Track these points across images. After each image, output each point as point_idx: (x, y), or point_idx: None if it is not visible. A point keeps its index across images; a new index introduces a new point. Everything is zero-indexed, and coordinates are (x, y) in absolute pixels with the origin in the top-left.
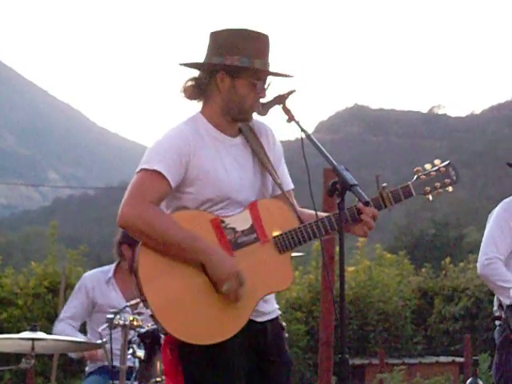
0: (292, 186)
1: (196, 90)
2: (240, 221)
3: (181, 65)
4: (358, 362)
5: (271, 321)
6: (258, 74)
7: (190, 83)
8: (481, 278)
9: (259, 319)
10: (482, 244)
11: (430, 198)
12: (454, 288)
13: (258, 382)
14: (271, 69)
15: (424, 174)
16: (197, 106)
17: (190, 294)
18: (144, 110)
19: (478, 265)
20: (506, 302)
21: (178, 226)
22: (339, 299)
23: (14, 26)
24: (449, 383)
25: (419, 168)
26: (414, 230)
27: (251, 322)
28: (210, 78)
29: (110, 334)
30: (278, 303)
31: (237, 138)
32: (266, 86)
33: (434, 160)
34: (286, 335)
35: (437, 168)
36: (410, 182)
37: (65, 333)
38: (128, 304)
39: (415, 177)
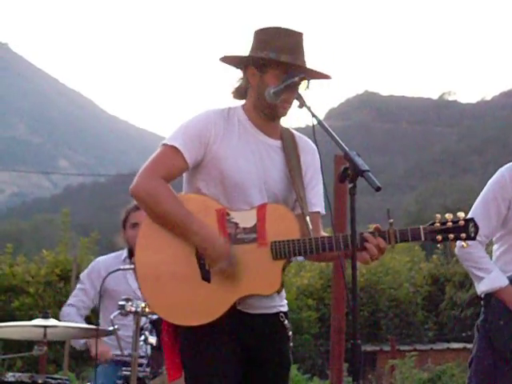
0: (319, 209)
1: (241, 89)
2: (245, 218)
3: (220, 60)
4: (369, 348)
5: (267, 315)
6: (286, 69)
7: (237, 83)
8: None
9: (248, 311)
10: None
11: (440, 247)
12: (466, 274)
13: (252, 375)
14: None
15: (440, 223)
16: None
17: (176, 273)
18: (154, 98)
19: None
20: (477, 290)
21: (181, 205)
22: (351, 286)
23: (24, 14)
24: (460, 369)
25: (439, 215)
26: (424, 216)
27: (240, 313)
28: (245, 73)
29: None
30: (288, 291)
31: (273, 140)
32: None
33: (458, 212)
34: (290, 333)
35: (456, 220)
36: (421, 226)
37: (68, 316)
38: (126, 267)
39: (430, 222)
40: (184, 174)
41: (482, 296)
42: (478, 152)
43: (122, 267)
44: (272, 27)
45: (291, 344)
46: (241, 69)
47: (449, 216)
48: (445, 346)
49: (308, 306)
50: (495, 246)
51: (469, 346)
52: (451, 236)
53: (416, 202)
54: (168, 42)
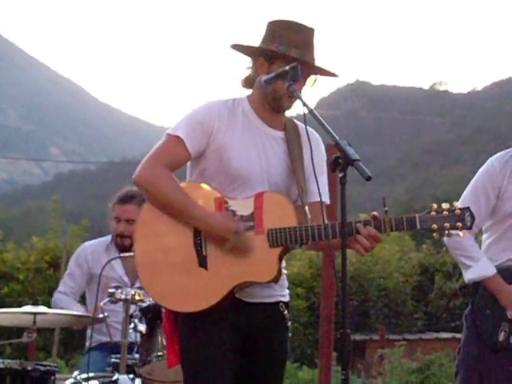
0: (323, 199)
1: (249, 78)
2: (243, 206)
3: (231, 47)
4: (358, 337)
5: (266, 304)
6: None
7: (246, 72)
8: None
9: (248, 300)
10: None
11: (435, 235)
12: (455, 264)
13: (249, 363)
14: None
15: (435, 211)
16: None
17: (174, 260)
18: (147, 86)
19: None
20: (465, 279)
21: (182, 191)
22: (341, 275)
23: (16, 1)
24: (449, 359)
25: (435, 205)
26: (415, 206)
27: (240, 302)
28: (255, 63)
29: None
30: None
31: (277, 132)
32: (301, 78)
33: (454, 202)
34: (289, 323)
35: (452, 209)
36: (417, 215)
37: (61, 303)
38: (121, 255)
39: (425, 211)
40: (188, 164)
41: (470, 285)
42: (469, 142)
43: (121, 254)
44: (285, 20)
45: (290, 334)
46: (251, 57)
47: (445, 205)
48: (434, 335)
49: (297, 294)
50: (484, 236)
51: (458, 335)
52: (447, 225)
53: (406, 192)
54: (161, 30)
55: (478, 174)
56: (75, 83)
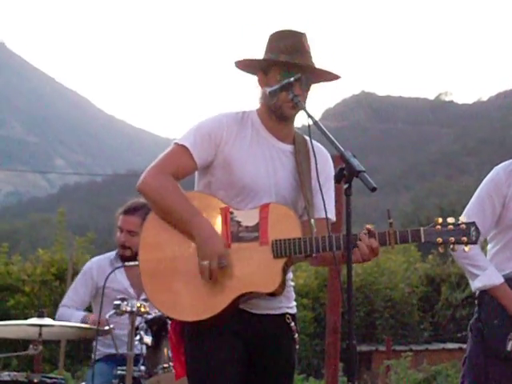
0: (328, 216)
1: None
2: (248, 217)
3: (235, 66)
4: (364, 348)
5: (273, 316)
6: (287, 69)
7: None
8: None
9: (254, 311)
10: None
11: (440, 249)
12: (461, 275)
13: (255, 376)
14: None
15: (441, 225)
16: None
17: (178, 269)
18: (152, 98)
19: None
20: (472, 287)
21: (185, 199)
22: (347, 286)
23: (22, 13)
24: (455, 370)
25: (440, 219)
26: (420, 216)
27: (244, 313)
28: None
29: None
30: None
31: (286, 145)
32: (301, 83)
33: (460, 216)
34: (296, 336)
35: (458, 223)
36: (422, 228)
37: (64, 316)
38: (126, 264)
39: (431, 224)
40: (196, 174)
41: (477, 294)
42: (474, 153)
43: (126, 264)
44: (278, 31)
45: (297, 346)
46: (254, 74)
47: (450, 219)
48: (440, 346)
49: (303, 305)
50: (489, 246)
51: (464, 346)
52: (452, 239)
53: (412, 203)
54: (165, 41)
55: (483, 182)
56: (80, 95)
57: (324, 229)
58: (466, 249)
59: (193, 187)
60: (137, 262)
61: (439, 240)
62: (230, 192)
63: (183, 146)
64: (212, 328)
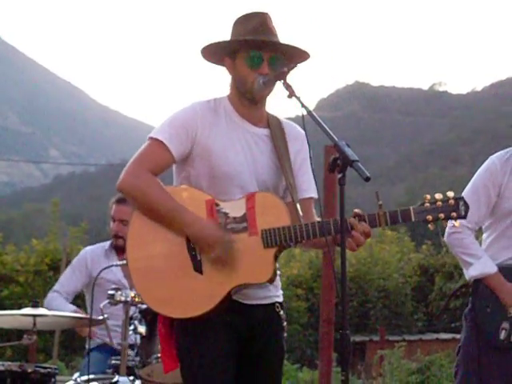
0: (311, 195)
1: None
2: (234, 207)
3: (202, 56)
4: (358, 338)
5: (264, 306)
6: (252, 50)
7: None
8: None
9: (246, 301)
10: None
11: (430, 227)
12: (455, 265)
13: (246, 366)
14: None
15: (430, 203)
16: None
17: (168, 266)
18: (145, 88)
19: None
20: (466, 276)
21: (169, 196)
22: (340, 276)
23: (16, 4)
24: (449, 360)
25: (428, 196)
26: None
27: (236, 304)
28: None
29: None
30: None
31: (261, 129)
32: (269, 62)
33: (448, 192)
34: (285, 324)
35: (446, 199)
36: (411, 207)
37: (54, 301)
38: (118, 263)
39: (420, 203)
40: (173, 167)
41: (471, 283)
42: (469, 143)
43: (115, 263)
44: (240, 16)
45: (285, 334)
46: (221, 64)
47: (438, 195)
48: (434, 336)
49: (297, 296)
50: (485, 235)
51: (458, 336)
52: (441, 215)
53: (406, 193)
54: (160, 31)
55: (478, 172)
56: (74, 85)
57: (308, 208)
58: (456, 223)
59: (171, 180)
60: (124, 262)
61: (429, 218)
62: (211, 182)
63: (158, 141)
64: (204, 321)
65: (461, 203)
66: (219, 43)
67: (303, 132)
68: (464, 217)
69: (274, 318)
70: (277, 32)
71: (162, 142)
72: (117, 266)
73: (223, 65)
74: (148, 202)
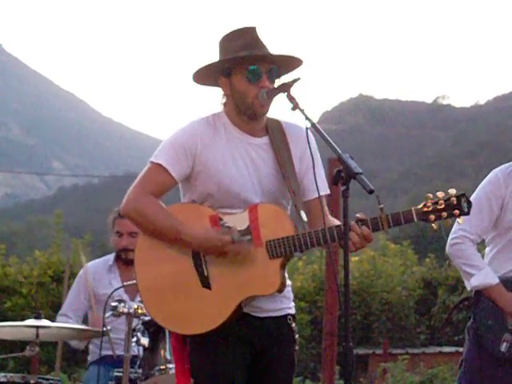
0: (317, 194)
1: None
2: (238, 220)
3: (194, 81)
4: (361, 351)
5: (276, 318)
6: (248, 65)
7: (223, 100)
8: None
9: (258, 314)
10: None
11: (434, 226)
12: (458, 278)
13: (257, 378)
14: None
15: (432, 202)
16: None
17: (177, 283)
18: (149, 100)
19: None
20: (467, 286)
21: (169, 215)
22: (343, 289)
23: (20, 15)
24: (452, 373)
25: (430, 195)
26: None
27: (248, 317)
28: (220, 86)
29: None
30: None
31: (260, 138)
32: (268, 75)
33: (449, 189)
34: (297, 336)
35: (448, 197)
36: (413, 208)
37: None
38: (124, 284)
39: (422, 203)
40: (180, 185)
41: (472, 294)
42: (472, 156)
43: (125, 283)
44: (228, 33)
45: (297, 347)
46: (216, 85)
47: (440, 194)
48: (437, 349)
49: (300, 308)
50: (487, 249)
51: (461, 349)
52: (444, 214)
53: (410, 206)
54: (164, 43)
55: (481, 185)
56: (78, 97)
57: (319, 208)
58: (460, 221)
59: (178, 198)
60: (135, 281)
61: (432, 217)
62: (215, 197)
63: (159, 165)
64: (216, 334)
65: (463, 200)
66: (212, 64)
67: (304, 128)
68: (467, 213)
69: (285, 330)
70: (266, 44)
71: (161, 165)
72: (122, 287)
73: (216, 85)
74: (150, 225)
